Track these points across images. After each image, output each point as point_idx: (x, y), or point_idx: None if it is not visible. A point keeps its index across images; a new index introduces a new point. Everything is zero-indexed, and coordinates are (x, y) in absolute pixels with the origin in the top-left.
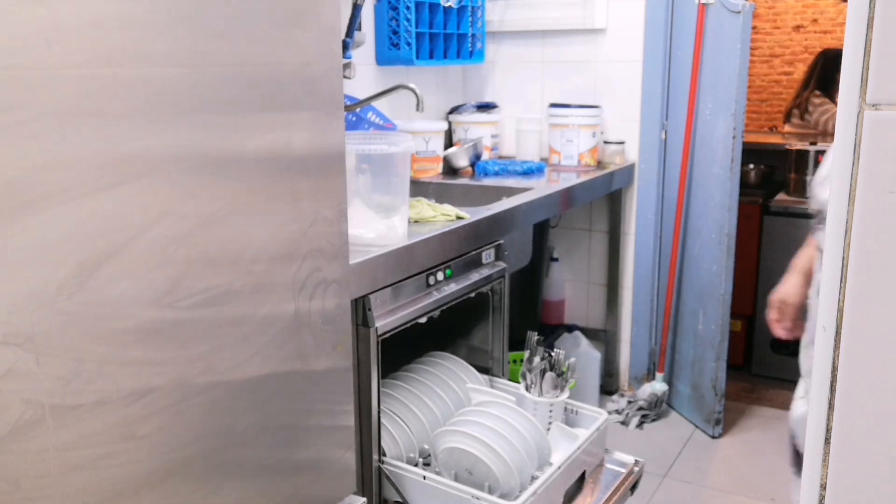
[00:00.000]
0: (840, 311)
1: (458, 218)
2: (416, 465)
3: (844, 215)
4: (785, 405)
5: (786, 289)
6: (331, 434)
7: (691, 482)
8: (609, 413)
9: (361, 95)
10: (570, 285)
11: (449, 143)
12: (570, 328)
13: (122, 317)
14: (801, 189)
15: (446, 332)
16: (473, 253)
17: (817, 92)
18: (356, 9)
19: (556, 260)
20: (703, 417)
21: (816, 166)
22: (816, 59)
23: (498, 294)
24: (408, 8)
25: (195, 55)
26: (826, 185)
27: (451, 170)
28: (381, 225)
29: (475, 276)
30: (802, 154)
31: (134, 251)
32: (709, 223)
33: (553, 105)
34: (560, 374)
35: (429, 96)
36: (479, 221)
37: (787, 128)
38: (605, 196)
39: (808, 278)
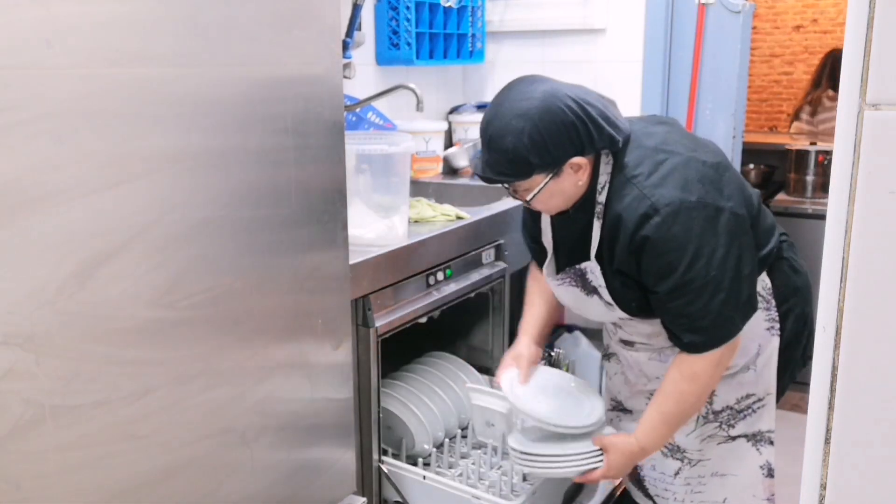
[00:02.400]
0: (840, 311)
1: (458, 218)
2: (415, 463)
3: (844, 215)
4: (785, 405)
5: (519, 348)
6: (331, 434)
7: None
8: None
9: (361, 95)
10: None
11: (449, 143)
12: (570, 328)
13: (122, 317)
14: (801, 189)
15: (446, 332)
16: (473, 253)
17: (830, 92)
18: (356, 9)
19: None
20: None
21: (816, 166)
22: (826, 58)
23: (498, 294)
24: (408, 8)
25: (195, 55)
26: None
27: (451, 170)
28: (381, 225)
29: (475, 276)
30: (802, 154)
31: (134, 251)
32: None
33: None
34: None
35: (429, 96)
36: (479, 221)
37: (795, 126)
38: None
39: (540, 337)
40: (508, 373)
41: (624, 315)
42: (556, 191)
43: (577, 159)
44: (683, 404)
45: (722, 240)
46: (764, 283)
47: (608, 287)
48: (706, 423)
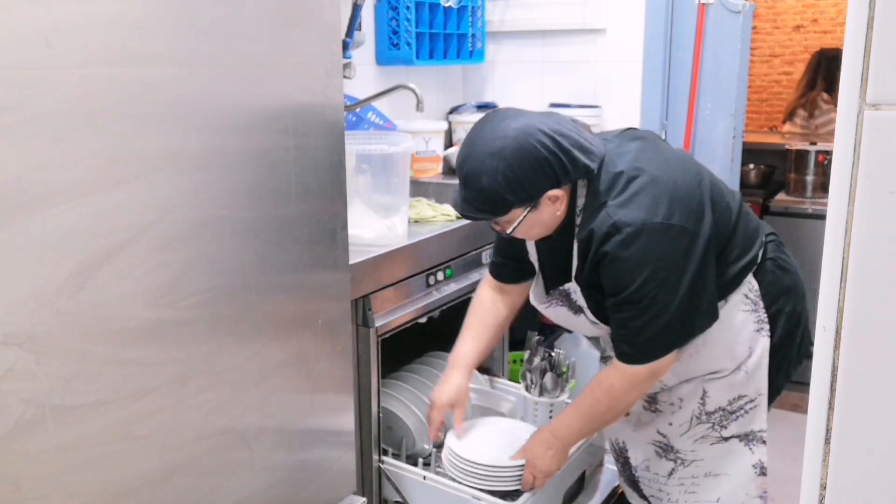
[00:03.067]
0: (840, 311)
1: (458, 218)
2: (415, 463)
3: (844, 215)
4: (785, 405)
5: (449, 389)
6: (331, 434)
7: None
8: None
9: (361, 95)
10: None
11: (449, 143)
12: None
13: (122, 317)
14: (801, 189)
15: (446, 332)
16: (473, 253)
17: (825, 95)
18: (356, 9)
19: None
20: None
21: (816, 166)
22: (818, 59)
23: None
24: (408, 8)
25: (195, 55)
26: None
27: (451, 170)
28: (381, 225)
29: (475, 276)
30: (802, 154)
31: (134, 251)
32: None
33: (553, 105)
34: (560, 374)
35: (429, 96)
36: (478, 221)
37: (787, 127)
38: None
39: (471, 370)
40: (450, 434)
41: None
42: (535, 222)
43: (553, 192)
44: (596, 409)
45: (680, 264)
46: (751, 285)
47: (589, 306)
48: (699, 423)
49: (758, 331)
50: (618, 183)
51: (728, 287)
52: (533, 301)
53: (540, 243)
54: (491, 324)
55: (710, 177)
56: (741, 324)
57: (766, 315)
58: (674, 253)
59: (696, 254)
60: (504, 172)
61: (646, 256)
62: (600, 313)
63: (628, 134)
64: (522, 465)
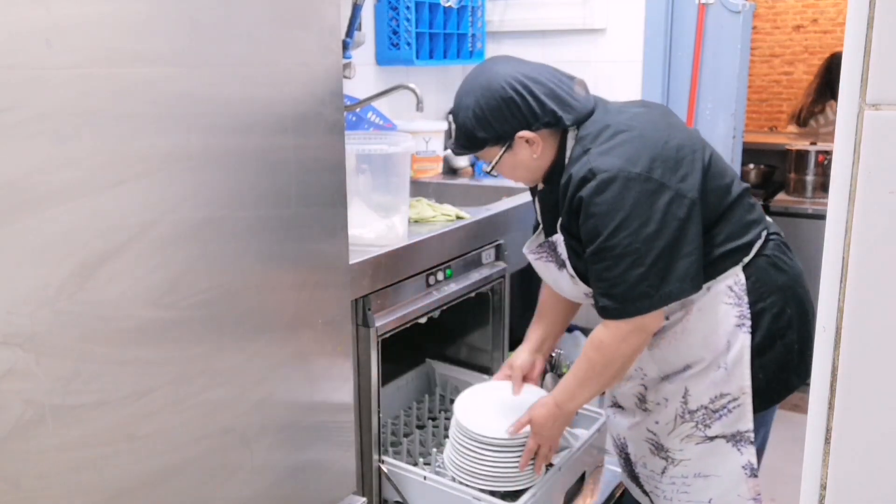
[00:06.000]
0: (840, 311)
1: (458, 218)
2: (415, 464)
3: (844, 215)
4: (785, 405)
5: (513, 358)
6: (331, 434)
7: None
8: None
9: (361, 95)
10: None
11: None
12: (571, 328)
13: (122, 317)
14: (801, 189)
15: (446, 332)
16: (473, 253)
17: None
18: (356, 9)
19: None
20: None
21: (816, 166)
22: (836, 64)
23: (498, 294)
24: (408, 8)
25: (195, 55)
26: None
27: (451, 170)
28: (381, 225)
29: (475, 276)
30: (802, 154)
31: (134, 251)
32: None
33: None
34: (560, 375)
35: (429, 96)
36: (479, 221)
37: (792, 127)
38: None
39: (543, 347)
40: (468, 390)
41: (589, 291)
42: (514, 163)
43: (525, 133)
44: (592, 371)
45: (656, 216)
46: (737, 278)
47: (570, 258)
48: (683, 422)
49: (738, 326)
50: (604, 134)
51: (708, 271)
52: (524, 250)
53: (539, 194)
54: (555, 296)
55: (715, 156)
56: (722, 316)
57: (749, 311)
58: (649, 205)
59: (675, 213)
60: (473, 110)
61: (618, 203)
62: (579, 266)
63: (638, 102)
64: (526, 438)
